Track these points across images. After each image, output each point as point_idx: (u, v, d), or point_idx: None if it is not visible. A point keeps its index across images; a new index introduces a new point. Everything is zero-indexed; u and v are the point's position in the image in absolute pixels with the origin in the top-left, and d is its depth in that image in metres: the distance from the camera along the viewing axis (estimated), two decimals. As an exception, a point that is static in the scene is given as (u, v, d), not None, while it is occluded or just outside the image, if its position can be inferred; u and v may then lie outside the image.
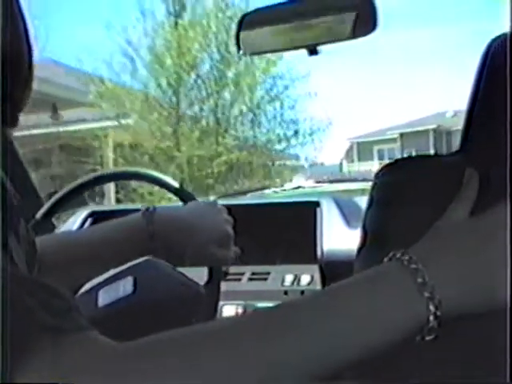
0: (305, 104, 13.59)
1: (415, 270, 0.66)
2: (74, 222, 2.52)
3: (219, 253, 1.27)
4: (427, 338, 0.66)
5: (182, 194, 1.66)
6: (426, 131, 29.09)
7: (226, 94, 12.57)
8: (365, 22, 1.36)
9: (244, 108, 12.80)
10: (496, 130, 0.90)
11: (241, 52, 1.51)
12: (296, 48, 1.47)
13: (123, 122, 12.20)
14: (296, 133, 13.42)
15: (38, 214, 1.76)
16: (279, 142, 13.51)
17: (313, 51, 1.43)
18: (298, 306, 0.68)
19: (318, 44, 1.41)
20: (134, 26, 12.32)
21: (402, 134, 29.58)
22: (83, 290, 1.36)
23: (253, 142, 13.14)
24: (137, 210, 2.43)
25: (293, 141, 13.58)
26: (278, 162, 14.01)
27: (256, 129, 13.03)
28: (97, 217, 2.55)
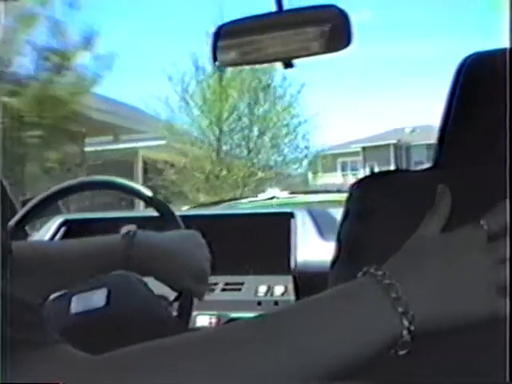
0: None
1: (389, 286, 0.67)
2: (47, 229, 2.51)
3: (193, 287, 1.28)
4: (401, 353, 0.67)
5: (154, 202, 1.66)
6: (387, 146, 29.82)
7: (255, 129, 16.26)
8: (339, 37, 1.37)
9: (267, 139, 16.57)
10: (469, 147, 0.91)
11: (216, 63, 1.52)
12: (272, 61, 1.47)
13: (158, 142, 15.27)
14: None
15: (12, 221, 1.75)
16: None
17: (288, 64, 1.44)
18: (271, 321, 0.68)
19: (292, 58, 1.42)
20: (190, 77, 15.93)
21: (364, 148, 30.22)
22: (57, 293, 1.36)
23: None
24: (110, 219, 2.42)
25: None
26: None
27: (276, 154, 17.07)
28: (70, 225, 2.54)
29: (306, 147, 17.27)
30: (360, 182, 0.99)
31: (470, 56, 0.96)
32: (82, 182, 1.86)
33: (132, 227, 1.28)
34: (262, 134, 16.47)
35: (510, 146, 0.78)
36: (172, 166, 15.67)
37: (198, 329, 1.99)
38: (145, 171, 15.80)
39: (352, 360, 0.66)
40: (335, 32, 1.38)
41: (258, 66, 13.47)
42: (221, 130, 16.04)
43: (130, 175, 14.06)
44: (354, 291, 0.69)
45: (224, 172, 15.78)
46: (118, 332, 1.24)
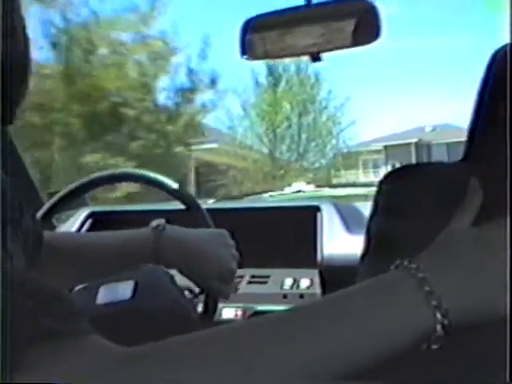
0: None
1: (422, 279, 0.66)
2: (73, 222, 2.53)
3: (219, 287, 1.29)
4: (433, 347, 0.67)
5: (179, 195, 1.66)
6: (408, 144, 29.85)
7: (303, 136, 18.97)
8: (367, 31, 1.37)
9: (313, 144, 19.38)
10: (500, 141, 0.90)
11: (244, 57, 1.52)
12: (299, 54, 1.47)
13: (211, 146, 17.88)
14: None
15: (38, 214, 1.76)
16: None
17: (316, 58, 1.44)
18: (304, 314, 0.67)
19: (320, 51, 1.41)
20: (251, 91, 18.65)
21: (385, 147, 30.24)
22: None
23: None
24: (136, 212, 2.43)
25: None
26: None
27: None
28: (96, 217, 2.55)
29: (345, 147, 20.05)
30: (389, 175, 0.99)
31: (501, 49, 0.95)
32: (107, 175, 1.86)
33: (161, 221, 1.28)
34: (310, 140, 19.03)
35: (510, 150, 0.77)
36: (234, 168, 17.98)
37: (224, 321, 1.99)
38: (198, 173, 17.43)
39: (384, 354, 0.66)
40: (363, 25, 1.37)
41: (306, 82, 17.03)
42: (275, 137, 18.49)
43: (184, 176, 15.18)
44: (387, 284, 0.68)
45: (281, 172, 17.95)
46: (142, 325, 1.25)
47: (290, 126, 18.66)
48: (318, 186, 3.52)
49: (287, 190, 3.33)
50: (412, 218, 0.91)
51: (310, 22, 1.42)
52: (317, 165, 19.28)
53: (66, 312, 0.60)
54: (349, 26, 1.37)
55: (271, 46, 1.49)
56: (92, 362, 0.57)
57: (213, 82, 15.70)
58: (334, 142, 19.88)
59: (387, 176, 0.99)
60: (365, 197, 2.83)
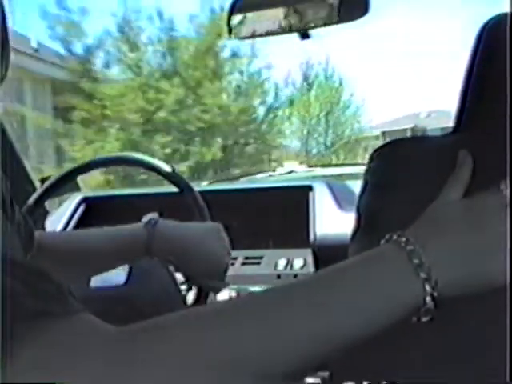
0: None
1: (412, 252, 0.67)
2: (66, 207, 2.52)
3: (211, 282, 1.28)
4: (423, 319, 0.67)
5: (173, 178, 1.66)
6: (405, 130, 30.34)
7: (330, 132, 19.98)
8: (355, 6, 1.36)
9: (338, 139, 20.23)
10: (490, 112, 0.90)
11: (232, 36, 1.51)
12: (287, 32, 1.46)
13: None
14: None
15: (31, 200, 1.76)
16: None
17: (304, 35, 1.43)
18: (296, 288, 0.68)
19: (307, 28, 1.41)
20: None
21: (383, 132, 30.67)
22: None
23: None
24: (129, 196, 2.42)
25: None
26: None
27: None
28: (89, 202, 2.55)
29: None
30: (378, 151, 0.98)
31: (492, 19, 0.94)
32: (102, 159, 1.86)
33: (154, 215, 1.28)
34: (337, 135, 20.11)
35: (509, 142, 0.77)
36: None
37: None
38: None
39: (375, 327, 0.66)
40: (351, 1, 1.37)
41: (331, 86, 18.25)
42: (308, 133, 19.46)
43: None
44: (376, 258, 0.69)
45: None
46: (133, 311, 1.25)
47: (318, 124, 19.81)
48: (311, 166, 3.52)
49: (280, 170, 3.33)
50: (401, 194, 0.91)
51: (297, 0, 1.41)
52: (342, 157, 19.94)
53: (56, 292, 0.60)
54: (336, 1, 1.36)
55: (258, 25, 1.48)
56: (83, 340, 0.57)
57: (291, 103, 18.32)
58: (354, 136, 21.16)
59: (375, 153, 0.98)
60: (357, 175, 2.83)
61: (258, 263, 2.29)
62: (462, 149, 0.80)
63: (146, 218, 1.26)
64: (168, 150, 12.81)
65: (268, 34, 1.48)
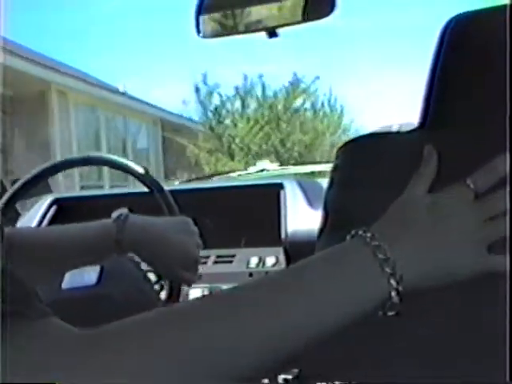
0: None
1: (377, 247, 0.67)
2: (37, 209, 2.51)
3: (183, 275, 1.28)
4: (389, 314, 0.67)
5: (146, 179, 1.66)
6: None
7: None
8: (322, 5, 1.36)
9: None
10: (455, 108, 0.91)
11: (200, 36, 1.51)
12: (255, 31, 1.46)
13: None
14: None
15: (1, 201, 1.75)
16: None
17: (272, 34, 1.44)
18: (261, 286, 0.68)
19: (276, 27, 1.41)
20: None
21: None
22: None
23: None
24: (101, 197, 2.40)
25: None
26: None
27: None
28: (61, 204, 2.54)
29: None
30: (343, 148, 0.98)
31: (455, 17, 0.95)
32: (70, 159, 1.86)
33: (123, 211, 1.28)
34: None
35: (510, 139, 0.77)
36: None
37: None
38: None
39: (340, 322, 0.66)
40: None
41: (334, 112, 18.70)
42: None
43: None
44: (341, 253, 0.70)
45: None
46: (106, 311, 1.24)
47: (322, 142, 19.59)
48: (282, 165, 3.53)
49: (251, 169, 3.34)
50: (367, 190, 0.90)
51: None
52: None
53: (23, 295, 0.60)
54: (303, 0, 1.36)
55: (226, 24, 1.48)
56: (51, 345, 0.57)
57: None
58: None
59: (340, 149, 0.98)
60: (327, 173, 2.84)
61: (230, 261, 2.29)
62: (427, 144, 0.81)
63: (115, 214, 1.26)
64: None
65: (236, 32, 1.48)
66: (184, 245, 1.26)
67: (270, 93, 17.67)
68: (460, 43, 0.93)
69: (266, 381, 1.58)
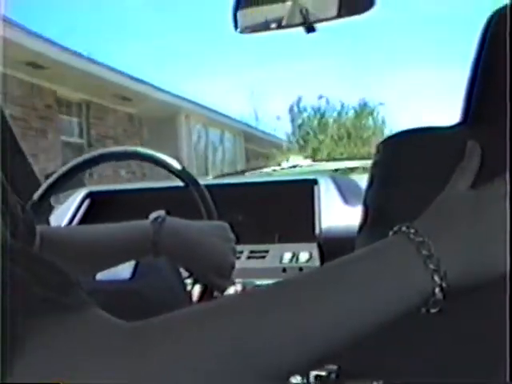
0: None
1: (421, 243, 0.66)
2: (71, 202, 2.52)
3: (217, 281, 1.28)
4: (432, 311, 0.66)
5: (183, 175, 1.66)
6: None
7: None
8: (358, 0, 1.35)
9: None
10: (498, 102, 0.89)
11: (238, 30, 1.51)
12: (293, 26, 1.45)
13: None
14: None
15: (36, 195, 1.75)
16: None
17: (310, 29, 1.43)
18: (302, 282, 0.67)
19: (314, 22, 1.40)
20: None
21: None
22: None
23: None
24: (134, 191, 2.40)
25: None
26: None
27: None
28: (94, 197, 2.55)
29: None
30: (384, 143, 0.98)
31: (497, 11, 0.94)
32: (106, 153, 1.85)
33: (161, 213, 1.28)
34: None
35: (510, 145, 0.77)
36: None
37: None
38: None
39: (383, 318, 0.65)
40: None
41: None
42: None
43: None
44: (384, 249, 0.68)
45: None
46: (137, 308, 1.24)
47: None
48: (316, 161, 3.51)
49: (284, 164, 3.32)
50: (408, 186, 0.90)
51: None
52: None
53: (66, 284, 0.59)
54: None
55: (264, 19, 1.47)
56: (95, 336, 0.56)
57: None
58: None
59: (382, 144, 0.97)
60: (362, 169, 2.82)
61: (264, 257, 2.28)
62: (469, 140, 0.80)
63: (153, 215, 1.26)
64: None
65: (275, 28, 1.47)
66: (220, 250, 1.26)
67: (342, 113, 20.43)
68: (502, 38, 0.91)
69: (298, 377, 1.57)
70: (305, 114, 20.73)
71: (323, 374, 1.48)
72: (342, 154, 18.18)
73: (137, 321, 0.59)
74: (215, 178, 2.97)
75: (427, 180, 0.85)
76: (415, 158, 0.92)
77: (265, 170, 3.29)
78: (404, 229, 0.69)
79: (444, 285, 0.65)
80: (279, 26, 1.46)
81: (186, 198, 1.59)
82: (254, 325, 0.61)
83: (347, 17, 1.39)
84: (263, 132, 21.42)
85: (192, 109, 16.08)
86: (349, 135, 19.54)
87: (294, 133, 20.76)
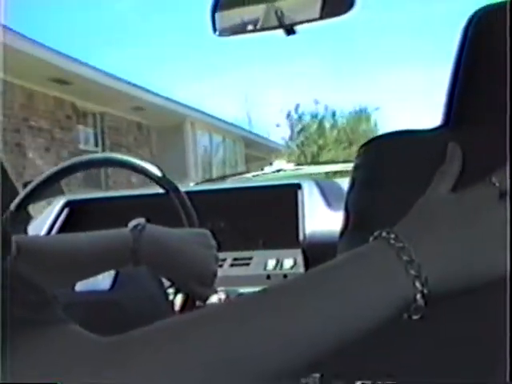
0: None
1: (401, 248, 0.65)
2: (50, 211, 2.48)
3: (198, 289, 1.26)
4: (414, 317, 0.65)
5: (163, 182, 1.63)
6: None
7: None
8: (341, 1, 1.34)
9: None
10: (479, 105, 0.89)
11: (216, 33, 1.48)
12: (272, 29, 1.44)
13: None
14: None
15: (12, 205, 1.72)
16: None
17: (290, 31, 1.41)
18: (284, 289, 0.67)
19: (293, 25, 1.38)
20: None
21: None
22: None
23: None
24: (114, 198, 2.38)
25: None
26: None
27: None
28: (73, 206, 2.51)
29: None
30: (365, 147, 0.96)
31: (479, 10, 0.93)
32: (86, 160, 1.82)
33: (141, 220, 1.26)
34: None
35: (510, 145, 0.75)
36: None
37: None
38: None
39: (364, 325, 0.65)
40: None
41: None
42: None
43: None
44: (365, 255, 0.68)
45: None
46: (117, 318, 1.22)
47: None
48: (299, 165, 3.50)
49: (267, 169, 3.30)
50: (389, 190, 0.89)
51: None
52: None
53: (42, 301, 0.59)
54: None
55: (242, 22, 1.46)
56: (69, 352, 0.56)
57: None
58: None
59: (362, 148, 0.96)
60: (345, 173, 2.80)
61: (247, 264, 2.26)
62: (451, 142, 0.79)
63: (132, 223, 1.23)
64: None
65: (253, 30, 1.45)
66: (201, 258, 1.24)
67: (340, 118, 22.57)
68: (483, 38, 0.91)
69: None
70: (304, 120, 22.43)
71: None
72: (344, 157, 18.83)
73: (116, 332, 0.59)
74: (196, 184, 2.94)
75: (409, 183, 0.84)
76: (396, 161, 0.91)
77: (247, 175, 3.27)
78: (384, 234, 0.68)
79: (425, 291, 0.65)
80: (256, 29, 1.44)
81: (167, 205, 1.56)
82: (237, 332, 0.61)
83: (329, 18, 1.37)
84: (262, 137, 22.44)
85: (196, 116, 17.50)
86: (348, 139, 20.59)
87: (291, 138, 22.30)
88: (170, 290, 1.51)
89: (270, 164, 3.47)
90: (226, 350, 0.59)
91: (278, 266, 2.19)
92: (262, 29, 1.42)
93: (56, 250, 1.21)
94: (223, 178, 3.42)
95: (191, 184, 2.89)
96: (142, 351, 0.57)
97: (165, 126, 16.00)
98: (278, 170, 3.26)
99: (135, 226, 1.21)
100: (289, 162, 3.47)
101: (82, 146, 13.36)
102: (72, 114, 13.17)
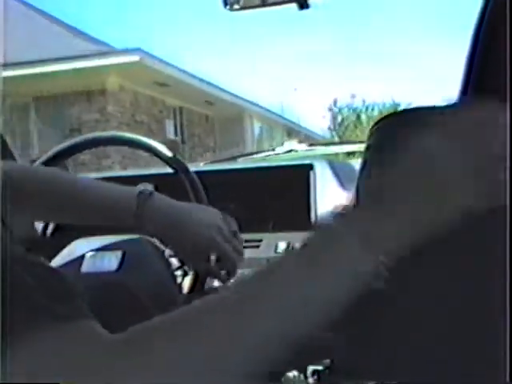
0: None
1: (360, 224, 0.67)
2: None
3: (202, 265, 1.23)
4: (377, 287, 0.66)
5: (173, 162, 1.59)
6: None
7: None
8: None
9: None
10: (495, 83, 0.87)
11: (227, 7, 1.45)
12: (284, 3, 1.40)
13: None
14: None
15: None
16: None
17: (303, 5, 1.37)
18: (251, 280, 0.68)
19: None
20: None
21: None
22: (73, 257, 1.38)
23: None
24: (123, 178, 2.35)
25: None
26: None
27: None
28: None
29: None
30: (376, 126, 0.94)
31: None
32: (92, 138, 1.78)
33: (148, 186, 1.22)
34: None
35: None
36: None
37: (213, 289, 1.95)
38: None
39: (334, 303, 0.66)
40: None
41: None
42: None
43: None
44: (325, 234, 0.70)
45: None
46: (124, 301, 1.20)
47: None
48: (311, 145, 3.45)
49: (279, 149, 3.25)
50: (402, 169, 0.86)
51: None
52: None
53: (64, 293, 0.61)
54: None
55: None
56: (81, 349, 0.57)
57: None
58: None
59: (373, 127, 0.94)
60: (359, 153, 2.77)
61: (258, 246, 2.23)
62: (467, 119, 0.77)
63: (139, 187, 1.20)
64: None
65: (267, 4, 1.42)
66: (203, 235, 1.19)
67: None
68: (503, 8, 0.86)
69: (295, 372, 1.53)
70: (343, 113, 24.76)
71: (320, 368, 1.43)
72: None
73: (122, 315, 0.66)
74: (206, 164, 2.90)
75: (420, 164, 0.81)
76: (408, 140, 0.87)
77: (258, 155, 3.23)
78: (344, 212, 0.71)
79: (386, 260, 0.65)
80: (266, 3, 1.41)
81: (176, 185, 1.53)
82: (221, 330, 0.62)
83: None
84: (305, 128, 23.88)
85: (253, 109, 19.74)
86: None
87: (334, 129, 24.67)
88: (178, 273, 1.48)
89: (282, 144, 3.42)
90: (217, 346, 0.61)
91: (289, 248, 2.16)
92: (274, 3, 1.39)
93: (65, 186, 1.22)
94: (234, 158, 3.37)
95: (201, 164, 2.85)
96: (142, 350, 0.58)
97: (227, 118, 18.45)
98: (290, 151, 3.22)
99: (142, 191, 1.18)
100: (300, 142, 3.42)
101: (168, 136, 16.20)
102: (163, 108, 16.44)
